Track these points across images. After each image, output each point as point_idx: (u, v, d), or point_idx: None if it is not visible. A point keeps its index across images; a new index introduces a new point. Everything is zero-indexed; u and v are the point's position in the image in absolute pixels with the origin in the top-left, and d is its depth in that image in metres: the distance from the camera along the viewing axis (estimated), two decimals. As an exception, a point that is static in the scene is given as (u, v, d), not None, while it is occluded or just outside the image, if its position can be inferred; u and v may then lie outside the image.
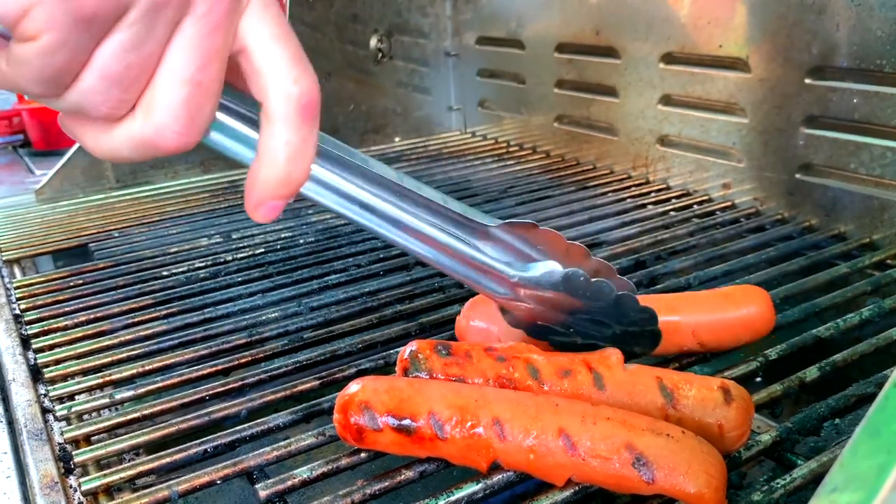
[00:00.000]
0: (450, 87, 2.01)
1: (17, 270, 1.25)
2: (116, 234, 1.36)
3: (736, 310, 0.77)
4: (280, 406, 0.76)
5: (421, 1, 1.95)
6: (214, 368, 0.85)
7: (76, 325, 0.98)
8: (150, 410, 0.77)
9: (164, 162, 1.77)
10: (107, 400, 0.80)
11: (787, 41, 1.15)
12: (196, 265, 1.18)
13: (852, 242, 1.10)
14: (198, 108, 0.47)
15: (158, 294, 1.07)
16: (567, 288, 0.66)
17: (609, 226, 1.27)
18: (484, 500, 0.61)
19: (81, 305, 1.04)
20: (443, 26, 1.96)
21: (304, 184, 0.54)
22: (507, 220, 0.64)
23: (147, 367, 0.87)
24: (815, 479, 0.61)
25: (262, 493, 0.62)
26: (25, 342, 0.95)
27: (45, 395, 0.83)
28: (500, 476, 0.61)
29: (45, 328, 0.97)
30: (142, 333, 0.95)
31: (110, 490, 0.67)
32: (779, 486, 0.60)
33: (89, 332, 0.96)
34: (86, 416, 0.79)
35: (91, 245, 1.31)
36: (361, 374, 0.81)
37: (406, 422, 0.61)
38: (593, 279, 0.66)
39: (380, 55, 1.98)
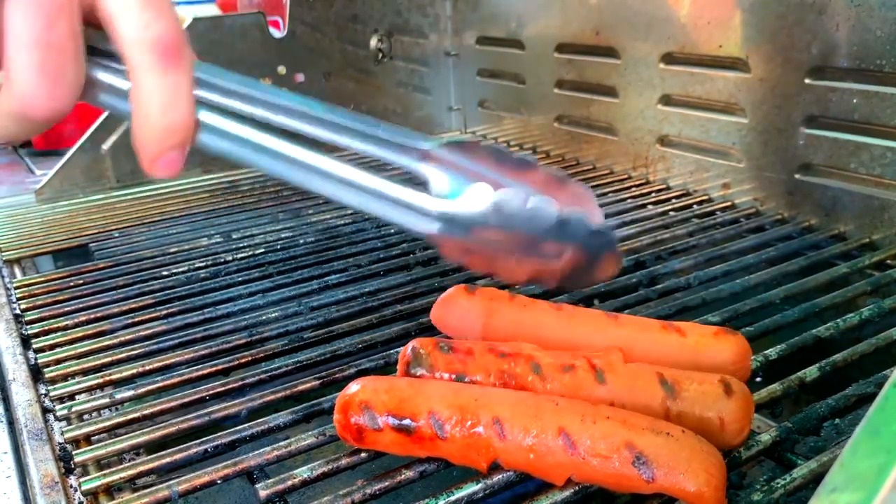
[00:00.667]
0: (450, 87, 2.01)
1: (17, 270, 1.25)
2: (116, 234, 1.36)
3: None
4: (280, 406, 0.76)
5: (421, 1, 1.95)
6: (214, 368, 0.85)
7: (76, 325, 0.98)
8: (151, 410, 0.77)
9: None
10: (107, 400, 0.80)
11: (787, 41, 1.15)
12: (196, 265, 1.18)
13: (852, 242, 1.10)
14: (57, 71, 0.45)
15: (158, 294, 1.07)
16: (499, 213, 0.59)
17: (609, 226, 1.26)
18: (484, 500, 0.61)
19: (81, 305, 1.04)
20: (443, 26, 1.96)
21: (194, 130, 0.51)
22: (448, 141, 0.59)
23: (147, 367, 0.87)
24: (815, 479, 0.61)
25: (263, 493, 0.62)
26: (26, 342, 0.95)
27: (46, 395, 0.83)
28: (500, 476, 0.61)
29: (46, 328, 0.97)
30: (142, 333, 0.95)
31: (110, 490, 0.67)
32: (779, 485, 0.60)
33: (89, 331, 0.96)
34: (86, 416, 0.79)
35: (91, 245, 1.32)
36: (361, 374, 0.81)
37: (406, 422, 0.61)
38: (532, 199, 0.59)
39: (380, 55, 1.98)
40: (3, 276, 1.19)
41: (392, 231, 1.29)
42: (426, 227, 0.60)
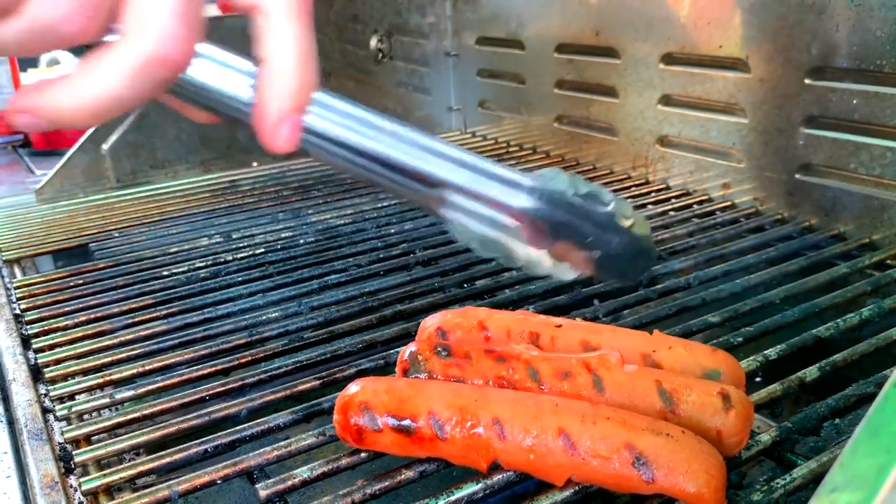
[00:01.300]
0: (450, 88, 2.01)
1: (17, 270, 1.25)
2: (116, 234, 1.36)
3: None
4: (280, 406, 0.76)
5: (421, 1, 1.95)
6: (214, 368, 0.85)
7: (76, 325, 0.98)
8: (151, 410, 0.77)
9: (164, 162, 1.77)
10: (107, 400, 0.80)
11: (787, 41, 1.15)
12: (196, 265, 1.18)
13: (852, 242, 1.10)
14: (193, 16, 0.45)
15: (158, 294, 1.07)
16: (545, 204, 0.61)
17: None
18: (484, 500, 0.61)
19: (81, 305, 1.04)
20: (443, 26, 1.96)
21: (314, 98, 0.50)
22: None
23: (147, 367, 0.87)
24: (815, 479, 0.61)
25: (263, 493, 0.62)
26: (26, 342, 0.95)
27: (46, 395, 0.83)
28: (500, 476, 0.61)
29: (46, 328, 0.97)
30: (142, 333, 0.95)
31: (110, 490, 0.67)
32: (779, 486, 0.60)
33: (89, 331, 0.96)
34: (86, 416, 0.79)
35: (91, 245, 1.32)
36: (361, 374, 0.81)
37: (406, 422, 0.61)
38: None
39: (380, 55, 1.98)
40: (3, 276, 1.19)
41: (392, 231, 1.29)
42: (517, 202, 0.61)
